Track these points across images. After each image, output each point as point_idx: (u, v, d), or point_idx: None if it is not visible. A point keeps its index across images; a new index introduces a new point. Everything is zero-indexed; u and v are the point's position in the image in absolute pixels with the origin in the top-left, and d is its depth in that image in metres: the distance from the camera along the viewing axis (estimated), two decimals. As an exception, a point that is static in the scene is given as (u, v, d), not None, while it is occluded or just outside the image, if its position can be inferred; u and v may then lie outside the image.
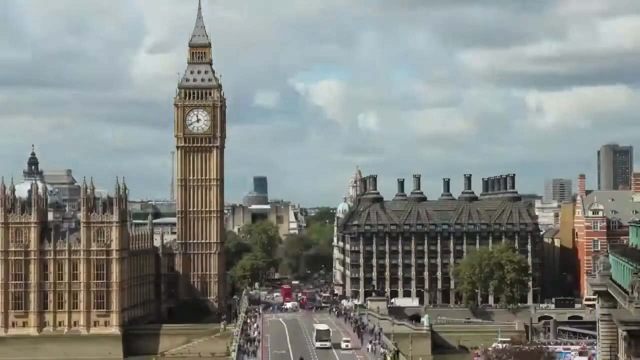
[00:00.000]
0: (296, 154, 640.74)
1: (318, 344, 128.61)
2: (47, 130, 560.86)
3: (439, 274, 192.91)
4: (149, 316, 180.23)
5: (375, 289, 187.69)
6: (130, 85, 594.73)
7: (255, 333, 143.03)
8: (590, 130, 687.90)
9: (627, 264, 64.06)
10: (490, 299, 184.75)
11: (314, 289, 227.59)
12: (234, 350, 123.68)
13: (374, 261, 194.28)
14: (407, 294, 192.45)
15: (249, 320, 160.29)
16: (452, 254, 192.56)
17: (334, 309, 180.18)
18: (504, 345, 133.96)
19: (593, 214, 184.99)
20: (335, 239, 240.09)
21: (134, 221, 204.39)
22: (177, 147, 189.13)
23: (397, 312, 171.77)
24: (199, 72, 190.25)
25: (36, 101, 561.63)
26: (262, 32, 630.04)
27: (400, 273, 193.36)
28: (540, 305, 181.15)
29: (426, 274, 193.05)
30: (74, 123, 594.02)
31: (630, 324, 54.38)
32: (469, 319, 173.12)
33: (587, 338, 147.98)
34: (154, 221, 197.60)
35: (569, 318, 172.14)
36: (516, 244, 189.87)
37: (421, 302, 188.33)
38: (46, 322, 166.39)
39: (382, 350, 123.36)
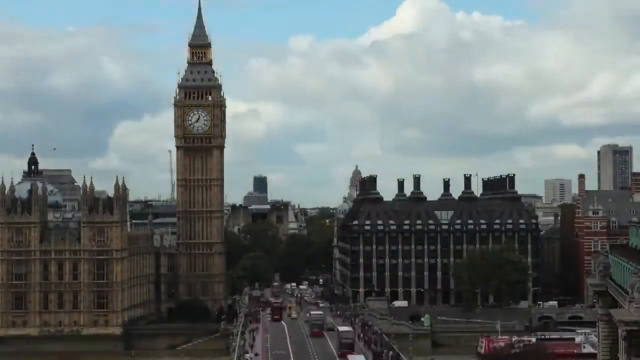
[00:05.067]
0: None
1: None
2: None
3: (439, 274, 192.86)
4: (149, 316, 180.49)
5: (375, 289, 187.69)
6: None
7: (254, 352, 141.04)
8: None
9: (627, 264, 64.05)
10: (490, 299, 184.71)
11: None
12: (234, 351, 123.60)
13: (374, 261, 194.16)
14: (407, 294, 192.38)
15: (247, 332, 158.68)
16: (452, 254, 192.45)
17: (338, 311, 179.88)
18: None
19: (593, 214, 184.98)
20: (335, 239, 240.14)
21: (134, 221, 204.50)
22: (177, 147, 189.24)
23: (397, 312, 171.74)
24: (199, 72, 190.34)
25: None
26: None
27: (400, 273, 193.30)
28: (541, 304, 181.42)
29: (426, 274, 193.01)
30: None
31: (630, 324, 54.38)
32: (469, 319, 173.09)
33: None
34: (154, 221, 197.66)
35: (569, 318, 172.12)
36: (516, 244, 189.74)
37: (420, 302, 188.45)
38: (46, 322, 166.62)
39: None
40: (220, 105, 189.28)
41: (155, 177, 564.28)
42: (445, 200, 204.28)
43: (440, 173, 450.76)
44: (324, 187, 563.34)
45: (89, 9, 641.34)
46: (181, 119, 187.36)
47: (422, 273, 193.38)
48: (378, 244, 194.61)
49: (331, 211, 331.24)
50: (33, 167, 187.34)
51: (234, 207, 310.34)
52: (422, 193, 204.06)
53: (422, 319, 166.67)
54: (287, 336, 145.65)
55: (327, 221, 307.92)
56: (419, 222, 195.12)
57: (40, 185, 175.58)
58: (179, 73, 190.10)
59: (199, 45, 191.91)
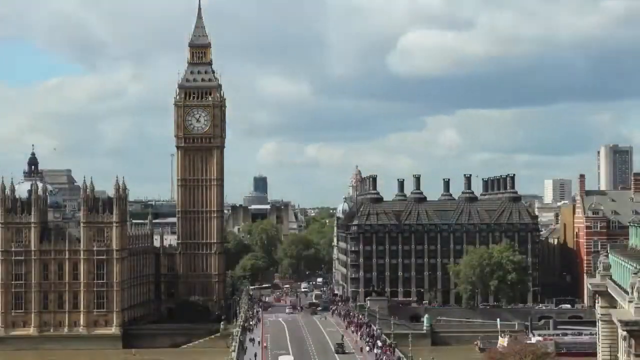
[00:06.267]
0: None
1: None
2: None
3: (439, 274, 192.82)
4: (149, 316, 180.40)
5: (375, 289, 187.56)
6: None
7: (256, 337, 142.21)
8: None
9: (627, 264, 64.09)
10: (490, 299, 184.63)
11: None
12: (234, 351, 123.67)
13: (374, 261, 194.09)
14: (407, 294, 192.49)
15: (250, 323, 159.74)
16: (452, 254, 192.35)
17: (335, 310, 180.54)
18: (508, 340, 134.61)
19: (593, 214, 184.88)
20: (335, 239, 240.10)
21: (134, 221, 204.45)
22: (177, 147, 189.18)
23: (397, 312, 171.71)
24: (199, 72, 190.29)
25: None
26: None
27: (400, 273, 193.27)
28: (540, 305, 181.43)
29: (426, 274, 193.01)
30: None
31: (630, 324, 54.41)
32: (469, 319, 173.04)
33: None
34: (154, 221, 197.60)
35: (569, 318, 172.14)
36: (516, 244, 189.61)
37: (420, 302, 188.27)
38: (46, 322, 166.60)
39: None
40: (220, 105, 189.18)
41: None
42: (445, 200, 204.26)
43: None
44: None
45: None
46: (181, 119, 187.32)
47: (422, 273, 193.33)
48: (378, 244, 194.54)
49: (331, 211, 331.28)
50: (33, 167, 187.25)
51: (234, 207, 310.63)
52: (422, 193, 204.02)
53: (422, 319, 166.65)
54: (287, 336, 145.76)
55: (327, 221, 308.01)
56: (419, 222, 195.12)
57: (40, 185, 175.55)
58: (178, 73, 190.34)
59: (199, 45, 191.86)
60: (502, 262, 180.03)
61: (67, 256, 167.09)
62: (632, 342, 55.09)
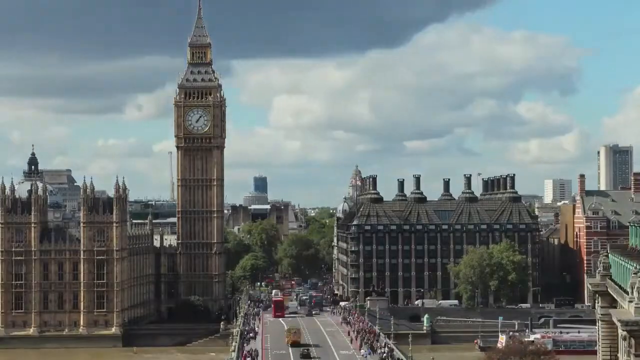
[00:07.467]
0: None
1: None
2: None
3: (439, 274, 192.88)
4: (149, 316, 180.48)
5: (375, 289, 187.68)
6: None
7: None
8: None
9: (627, 264, 64.06)
10: (490, 299, 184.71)
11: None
12: (234, 351, 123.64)
13: (374, 261, 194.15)
14: (407, 293, 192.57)
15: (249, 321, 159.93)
16: (452, 254, 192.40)
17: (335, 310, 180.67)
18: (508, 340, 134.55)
19: (593, 214, 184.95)
20: (335, 239, 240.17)
21: (134, 221, 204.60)
22: (177, 147, 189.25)
23: (396, 312, 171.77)
24: (199, 72, 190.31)
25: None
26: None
27: (400, 273, 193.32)
28: (540, 305, 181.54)
29: (426, 274, 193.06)
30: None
31: (630, 324, 54.41)
32: (469, 319, 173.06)
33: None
34: (154, 221, 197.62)
35: (569, 317, 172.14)
36: (516, 244, 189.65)
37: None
38: (46, 322, 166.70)
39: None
40: (220, 105, 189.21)
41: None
42: (445, 200, 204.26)
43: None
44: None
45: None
46: (181, 119, 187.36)
47: (422, 273, 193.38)
48: (378, 244, 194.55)
49: (331, 211, 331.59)
50: (33, 167, 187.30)
51: (234, 207, 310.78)
52: (422, 193, 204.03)
53: (422, 319, 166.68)
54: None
55: (327, 221, 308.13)
56: (419, 222, 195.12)
57: (40, 185, 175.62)
58: (179, 73, 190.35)
59: (199, 45, 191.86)
60: (502, 262, 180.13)
61: (67, 256, 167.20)
62: (632, 342, 55.10)
